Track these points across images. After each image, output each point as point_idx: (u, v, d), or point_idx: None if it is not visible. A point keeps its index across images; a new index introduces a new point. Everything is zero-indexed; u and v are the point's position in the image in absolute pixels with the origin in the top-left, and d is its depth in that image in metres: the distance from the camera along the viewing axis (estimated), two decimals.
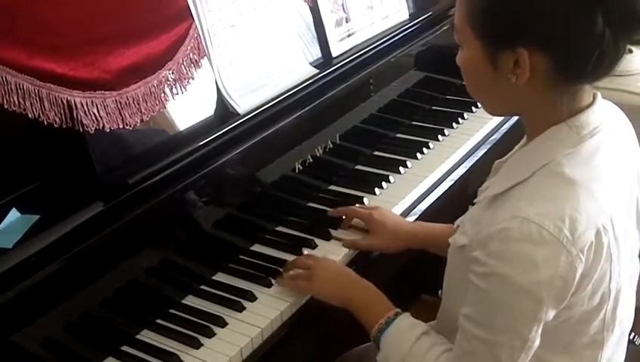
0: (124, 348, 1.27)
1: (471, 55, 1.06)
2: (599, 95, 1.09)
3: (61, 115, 1.18)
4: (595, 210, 1.01)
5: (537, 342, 1.03)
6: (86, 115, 1.20)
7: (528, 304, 1.00)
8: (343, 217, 1.56)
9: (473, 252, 1.04)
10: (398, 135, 1.94)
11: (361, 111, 1.82)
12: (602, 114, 1.08)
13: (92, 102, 1.22)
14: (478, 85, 1.11)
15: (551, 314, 1.02)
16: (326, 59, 1.71)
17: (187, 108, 1.39)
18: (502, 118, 1.94)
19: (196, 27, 1.41)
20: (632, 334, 1.82)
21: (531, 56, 0.99)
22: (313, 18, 1.70)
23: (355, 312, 1.29)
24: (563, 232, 0.97)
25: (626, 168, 1.12)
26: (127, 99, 1.27)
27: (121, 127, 1.26)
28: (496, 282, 1.00)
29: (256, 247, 1.51)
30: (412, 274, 1.73)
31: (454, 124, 1.96)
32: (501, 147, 1.87)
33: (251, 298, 1.36)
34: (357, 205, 1.59)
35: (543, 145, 1.06)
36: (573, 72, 1.01)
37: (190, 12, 1.41)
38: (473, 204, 1.18)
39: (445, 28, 2.02)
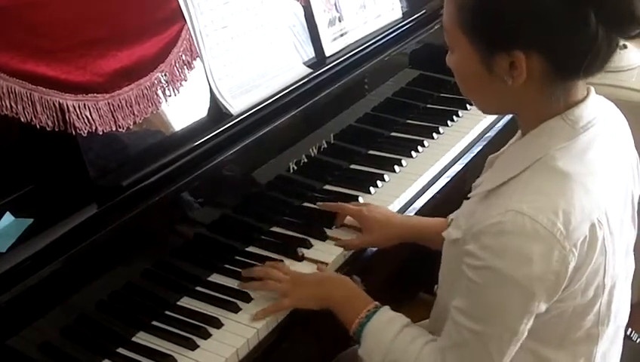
0: (120, 350, 1.27)
1: (463, 58, 1.05)
2: (592, 89, 1.09)
3: (53, 118, 1.18)
4: (590, 204, 1.01)
5: (525, 334, 1.04)
6: (78, 117, 1.20)
7: (520, 297, 1.00)
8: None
9: (467, 245, 1.04)
10: (393, 133, 1.94)
11: (356, 111, 1.82)
12: (596, 108, 1.08)
13: (84, 105, 1.22)
14: (471, 87, 1.10)
15: (542, 307, 1.02)
16: (319, 58, 1.71)
17: (180, 109, 1.39)
18: (496, 115, 1.94)
19: (188, 29, 1.41)
20: (630, 330, 1.82)
21: (527, 58, 0.98)
22: (306, 18, 1.70)
23: (335, 309, 1.28)
24: (557, 226, 0.97)
25: (620, 162, 1.12)
26: (120, 102, 1.27)
27: (113, 129, 1.26)
28: (489, 275, 1.01)
29: (252, 248, 1.51)
30: (410, 272, 1.73)
31: (449, 122, 1.96)
32: (496, 144, 1.86)
33: (247, 299, 1.35)
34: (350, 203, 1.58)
35: (537, 139, 1.06)
36: (568, 70, 1.01)
37: (182, 14, 1.41)
38: (468, 199, 1.18)
39: (439, 26, 2.01)
